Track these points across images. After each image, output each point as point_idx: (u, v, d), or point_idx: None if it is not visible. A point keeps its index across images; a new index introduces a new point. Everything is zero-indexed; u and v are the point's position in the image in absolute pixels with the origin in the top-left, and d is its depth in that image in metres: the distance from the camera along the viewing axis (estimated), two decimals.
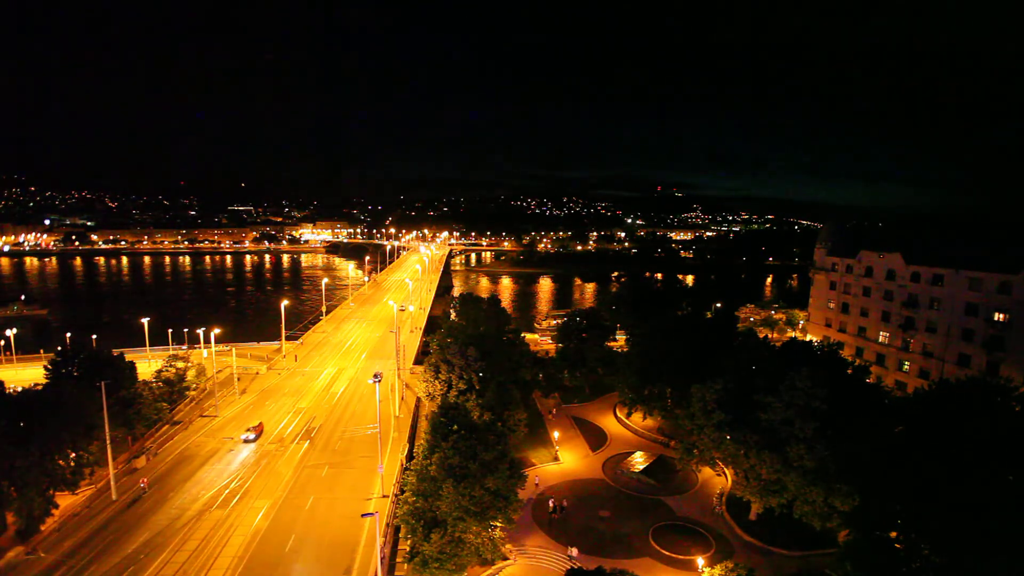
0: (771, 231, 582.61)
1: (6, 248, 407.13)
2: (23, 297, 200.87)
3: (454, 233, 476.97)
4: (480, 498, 44.04)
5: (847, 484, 46.34)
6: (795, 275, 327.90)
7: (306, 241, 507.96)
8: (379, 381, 57.83)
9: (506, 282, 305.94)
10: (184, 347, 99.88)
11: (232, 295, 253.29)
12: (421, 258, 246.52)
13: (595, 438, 77.15)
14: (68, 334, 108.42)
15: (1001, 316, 74.62)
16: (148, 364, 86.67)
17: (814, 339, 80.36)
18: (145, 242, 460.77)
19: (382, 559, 43.32)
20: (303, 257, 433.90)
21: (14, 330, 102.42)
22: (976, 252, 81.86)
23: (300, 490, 55.15)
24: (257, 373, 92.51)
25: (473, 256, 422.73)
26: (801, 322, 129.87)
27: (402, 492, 49.26)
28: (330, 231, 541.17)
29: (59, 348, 69.81)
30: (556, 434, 74.88)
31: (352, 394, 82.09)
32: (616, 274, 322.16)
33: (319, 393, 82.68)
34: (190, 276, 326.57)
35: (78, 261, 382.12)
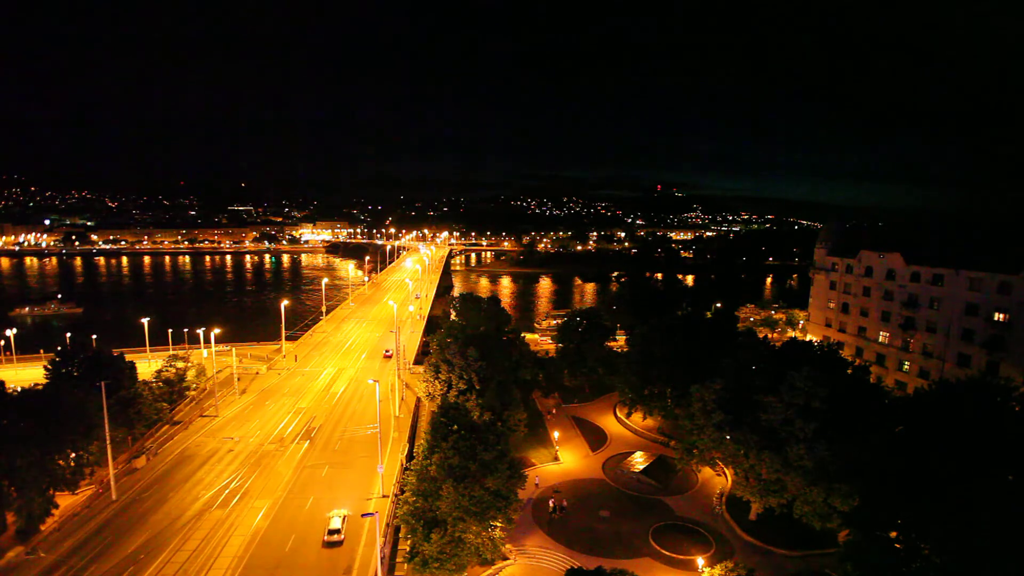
0: (771, 231, 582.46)
1: (6, 248, 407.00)
2: (59, 296, 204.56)
3: (454, 233, 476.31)
4: (480, 498, 44.06)
5: (847, 484, 46.35)
6: (795, 275, 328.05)
7: (306, 241, 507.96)
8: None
9: (506, 282, 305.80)
10: (184, 347, 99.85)
11: (232, 295, 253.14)
12: (421, 258, 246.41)
13: (595, 438, 77.14)
14: (68, 334, 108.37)
15: (1001, 316, 74.51)
16: (148, 364, 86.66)
17: (814, 339, 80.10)
18: (145, 242, 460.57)
19: (382, 559, 43.34)
20: (303, 257, 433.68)
21: (14, 330, 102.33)
22: (976, 252, 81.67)
23: (300, 490, 55.20)
24: (257, 373, 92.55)
25: (473, 256, 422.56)
26: (801, 322, 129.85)
27: (402, 492, 49.30)
28: (330, 231, 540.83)
29: (59, 348, 69.70)
30: (556, 434, 74.88)
31: (352, 394, 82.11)
32: (616, 274, 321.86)
33: (319, 393, 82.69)
34: (190, 276, 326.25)
35: (78, 261, 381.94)
